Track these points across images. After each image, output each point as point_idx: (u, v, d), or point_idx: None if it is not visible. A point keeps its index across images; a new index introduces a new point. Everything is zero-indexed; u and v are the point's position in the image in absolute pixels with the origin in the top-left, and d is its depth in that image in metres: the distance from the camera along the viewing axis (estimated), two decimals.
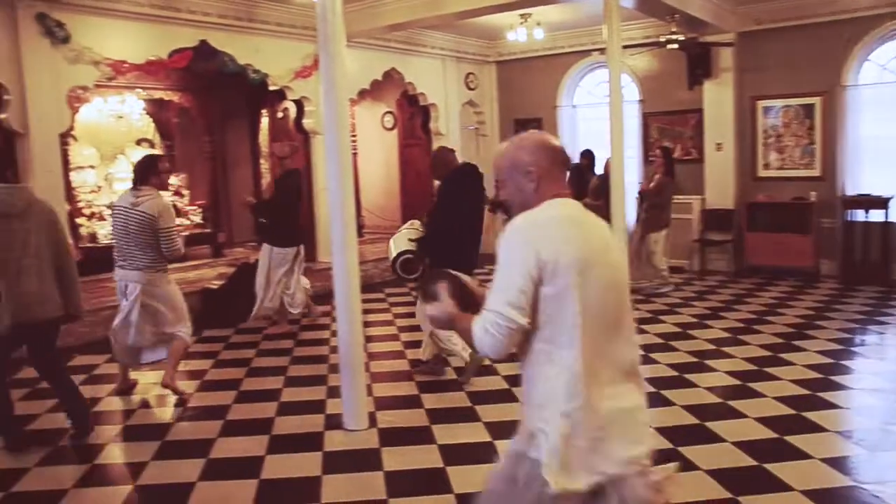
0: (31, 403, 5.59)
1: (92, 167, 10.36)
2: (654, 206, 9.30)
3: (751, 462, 4.29)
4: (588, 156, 10.24)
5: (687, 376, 5.91)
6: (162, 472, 4.44)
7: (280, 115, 10.88)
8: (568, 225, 2.25)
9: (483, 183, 5.92)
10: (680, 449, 4.44)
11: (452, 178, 5.36)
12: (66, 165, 7.85)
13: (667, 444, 4.47)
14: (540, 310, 2.18)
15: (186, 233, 10.61)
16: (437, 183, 6.16)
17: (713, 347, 6.75)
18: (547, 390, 2.22)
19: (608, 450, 2.19)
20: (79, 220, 9.92)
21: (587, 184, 9.39)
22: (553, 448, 2.16)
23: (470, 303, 2.43)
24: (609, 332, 2.25)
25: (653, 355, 6.49)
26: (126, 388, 5.94)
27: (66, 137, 7.88)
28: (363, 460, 4.50)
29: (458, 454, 4.53)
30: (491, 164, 2.82)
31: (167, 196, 10.23)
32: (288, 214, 7.61)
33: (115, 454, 4.77)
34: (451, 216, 5.17)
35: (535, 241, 2.17)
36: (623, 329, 2.31)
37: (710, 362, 6.29)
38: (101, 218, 9.73)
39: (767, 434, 4.68)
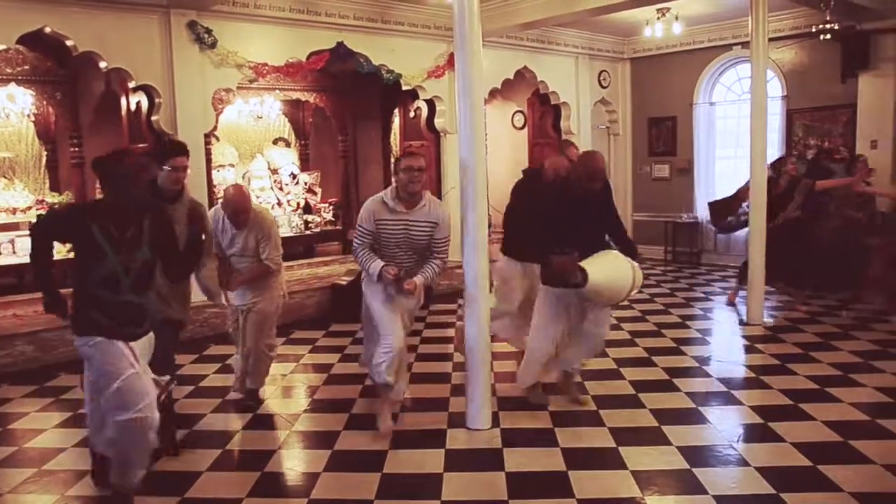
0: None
1: (231, 165, 10.86)
2: None
3: None
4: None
5: None
6: (288, 461, 4.56)
7: (412, 114, 11.01)
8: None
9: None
10: None
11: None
12: (208, 164, 8.24)
13: None
14: None
15: (318, 229, 10.94)
16: None
17: None
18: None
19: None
20: None
21: None
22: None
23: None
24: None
25: None
26: None
27: (208, 137, 8.27)
28: (485, 460, 4.46)
29: (582, 458, 4.42)
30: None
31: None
32: None
33: (241, 440, 4.93)
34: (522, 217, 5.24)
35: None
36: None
37: None
38: None
39: None
